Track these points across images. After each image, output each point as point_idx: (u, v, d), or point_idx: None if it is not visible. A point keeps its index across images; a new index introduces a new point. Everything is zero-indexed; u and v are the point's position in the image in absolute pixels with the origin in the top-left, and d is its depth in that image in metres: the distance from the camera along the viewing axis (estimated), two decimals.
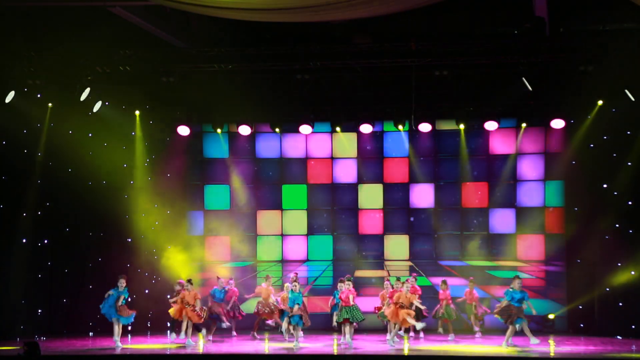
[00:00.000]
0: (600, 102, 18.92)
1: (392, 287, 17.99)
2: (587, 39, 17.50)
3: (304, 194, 21.66)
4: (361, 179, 21.55)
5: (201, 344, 17.70)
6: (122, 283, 17.16)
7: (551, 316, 20.18)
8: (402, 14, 15.47)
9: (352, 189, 21.57)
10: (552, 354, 15.90)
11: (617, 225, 19.07)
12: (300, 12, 13.95)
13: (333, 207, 21.60)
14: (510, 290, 16.49)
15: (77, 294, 20.04)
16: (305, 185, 21.66)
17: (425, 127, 20.02)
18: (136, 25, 16.89)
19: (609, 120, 19.10)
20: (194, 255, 21.27)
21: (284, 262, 21.72)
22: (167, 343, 17.84)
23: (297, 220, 21.70)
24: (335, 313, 17.45)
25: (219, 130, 20.98)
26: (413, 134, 20.95)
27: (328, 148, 21.65)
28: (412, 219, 21.35)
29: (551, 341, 17.68)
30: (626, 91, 18.27)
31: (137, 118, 20.41)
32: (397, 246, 21.42)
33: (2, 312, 18.55)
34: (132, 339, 18.67)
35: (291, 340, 17.28)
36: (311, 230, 21.67)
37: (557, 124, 19.66)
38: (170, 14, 17.49)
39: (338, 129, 20.71)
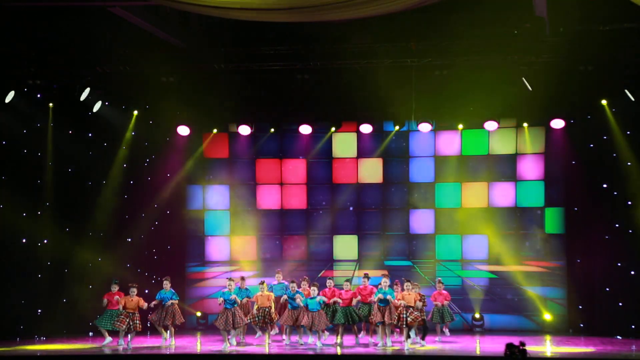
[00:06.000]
0: (603, 102, 18.92)
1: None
2: (587, 39, 17.50)
3: None
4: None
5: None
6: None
7: (548, 316, 20.17)
8: (402, 14, 15.46)
9: None
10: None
11: (617, 225, 19.08)
12: (300, 12, 13.94)
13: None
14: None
15: (77, 294, 20.04)
16: None
17: (425, 127, 20.06)
18: (136, 25, 16.89)
19: (609, 120, 19.12)
20: None
21: None
22: (165, 344, 17.81)
23: None
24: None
25: (215, 131, 21.02)
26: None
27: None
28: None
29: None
30: (626, 91, 18.28)
31: (134, 118, 20.35)
32: None
33: (2, 312, 18.55)
34: (132, 339, 18.63)
35: None
36: None
37: (557, 124, 19.69)
38: (170, 14, 17.48)
39: (333, 128, 20.79)
